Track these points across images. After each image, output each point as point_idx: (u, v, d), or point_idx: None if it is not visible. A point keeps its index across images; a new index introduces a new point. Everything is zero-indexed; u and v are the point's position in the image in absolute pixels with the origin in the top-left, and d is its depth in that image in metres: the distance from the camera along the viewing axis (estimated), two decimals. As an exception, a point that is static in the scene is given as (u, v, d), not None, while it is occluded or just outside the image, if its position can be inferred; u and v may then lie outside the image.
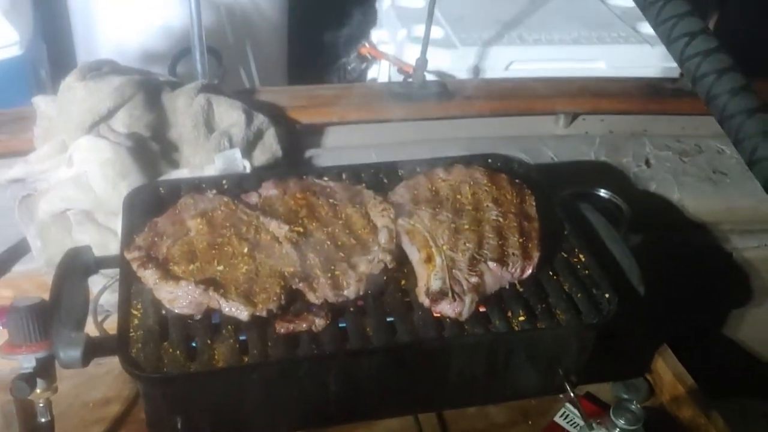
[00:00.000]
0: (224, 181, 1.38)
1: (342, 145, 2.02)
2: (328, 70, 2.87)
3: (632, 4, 2.50)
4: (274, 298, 1.08)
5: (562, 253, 1.26)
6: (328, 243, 1.19)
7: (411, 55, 2.51)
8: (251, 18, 2.66)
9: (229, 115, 1.75)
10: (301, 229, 1.21)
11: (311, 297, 1.11)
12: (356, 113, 2.02)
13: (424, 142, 1.98)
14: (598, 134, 2.07)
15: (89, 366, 1.11)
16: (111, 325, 1.44)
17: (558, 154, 1.98)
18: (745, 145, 0.83)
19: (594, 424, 1.25)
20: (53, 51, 2.70)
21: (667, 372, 1.45)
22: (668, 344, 1.48)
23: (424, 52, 2.05)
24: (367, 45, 2.75)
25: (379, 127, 2.04)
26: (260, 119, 1.78)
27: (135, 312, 1.11)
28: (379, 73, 2.73)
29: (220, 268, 1.13)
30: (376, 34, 2.80)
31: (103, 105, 1.64)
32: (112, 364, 1.47)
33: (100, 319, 1.48)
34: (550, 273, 1.22)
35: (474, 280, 1.12)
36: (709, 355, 1.75)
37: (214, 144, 1.66)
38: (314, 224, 1.23)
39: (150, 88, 1.72)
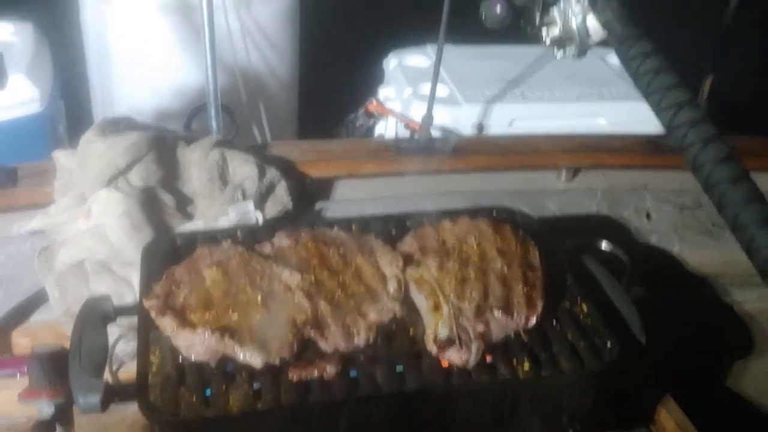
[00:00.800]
0: (238, 232, 1.43)
1: (351, 198, 2.08)
2: (336, 126, 2.95)
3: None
4: (287, 347, 1.12)
5: (565, 302, 1.30)
6: (339, 292, 1.23)
7: (417, 112, 2.60)
8: (264, 78, 2.76)
9: (243, 168, 1.81)
10: (313, 278, 1.25)
11: (323, 345, 1.15)
12: (365, 167, 2.08)
13: (431, 196, 2.04)
14: (599, 188, 2.12)
15: (103, 414, 1.14)
16: (125, 375, 1.48)
17: (561, 208, 2.03)
18: (728, 212, 0.89)
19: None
20: (71, 107, 2.80)
21: (670, 422, 1.47)
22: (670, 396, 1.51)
23: (430, 109, 2.13)
24: (374, 102, 2.84)
25: (386, 180, 2.10)
26: (272, 173, 1.85)
27: (153, 358, 1.15)
28: (386, 129, 2.80)
29: (235, 316, 1.17)
30: (383, 92, 2.89)
31: (121, 159, 1.70)
32: (125, 412, 1.51)
33: (115, 368, 1.52)
34: (554, 322, 1.26)
35: (480, 328, 1.16)
36: (712, 406, 1.77)
37: (228, 197, 1.72)
38: (325, 273, 1.27)
39: (166, 143, 1.79)
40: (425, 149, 2.11)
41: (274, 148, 2.08)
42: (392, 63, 2.92)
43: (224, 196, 1.73)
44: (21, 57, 2.48)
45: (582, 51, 1.32)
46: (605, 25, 1.20)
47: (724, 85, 2.07)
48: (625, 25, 1.15)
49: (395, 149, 2.12)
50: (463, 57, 2.82)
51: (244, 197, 1.75)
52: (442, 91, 2.58)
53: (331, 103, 3.00)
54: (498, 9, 1.42)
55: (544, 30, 1.34)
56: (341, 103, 2.99)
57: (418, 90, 2.69)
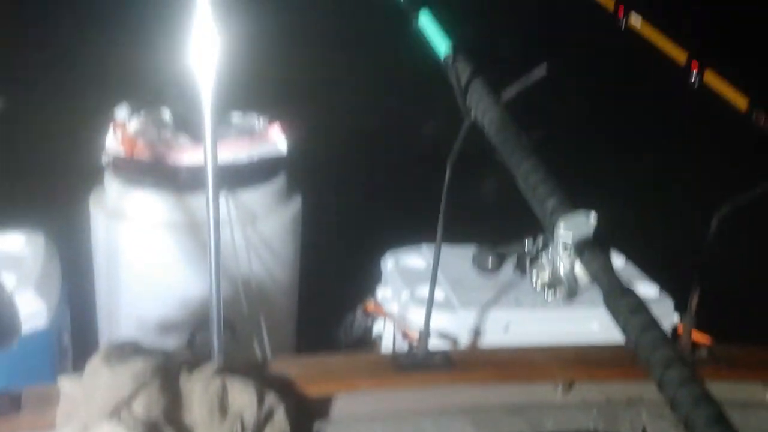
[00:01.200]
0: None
1: (350, 414, 2.09)
2: (335, 325, 3.00)
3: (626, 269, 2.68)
4: None
5: None
6: None
7: (415, 315, 2.66)
8: (266, 287, 2.86)
9: (242, 397, 1.84)
10: None
11: None
12: (363, 383, 2.12)
13: (430, 412, 2.07)
14: (595, 402, 2.15)
15: None
16: None
17: (557, 425, 2.04)
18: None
19: None
20: (76, 313, 2.86)
21: None
22: None
23: (427, 325, 2.19)
24: (372, 302, 2.91)
25: (385, 395, 2.13)
26: (271, 399, 1.88)
27: None
28: (384, 328, 2.85)
29: None
30: (382, 292, 2.96)
31: (126, 389, 1.74)
32: None
33: None
34: None
35: None
36: None
37: (227, 430, 1.74)
38: None
39: (169, 372, 1.83)
40: (423, 365, 2.15)
41: (273, 365, 2.12)
42: (389, 263, 3.02)
43: (223, 428, 1.75)
44: (30, 270, 2.56)
45: (571, 295, 1.39)
46: (592, 276, 1.27)
47: (710, 296, 2.15)
48: (611, 277, 1.23)
49: (393, 365, 2.16)
50: (458, 258, 2.92)
51: (243, 427, 1.78)
52: (438, 294, 2.66)
53: (330, 303, 3.07)
54: (489, 263, 1.51)
55: (534, 273, 1.42)
56: (340, 301, 3.07)
57: (415, 292, 2.76)
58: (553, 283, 1.39)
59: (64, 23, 6.47)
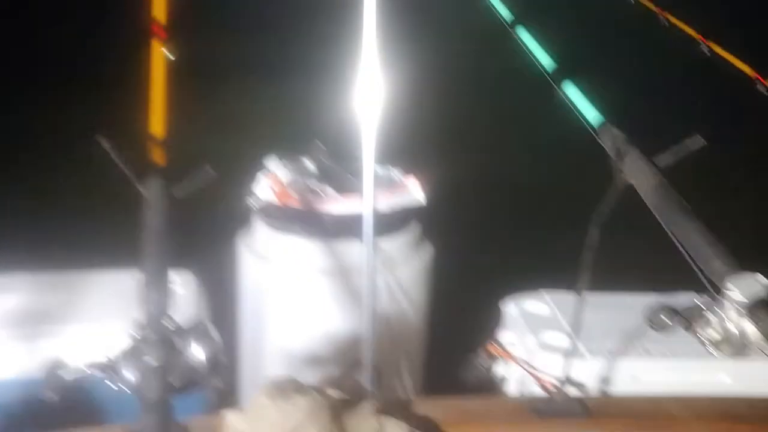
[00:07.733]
0: None
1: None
2: (457, 366, 3.08)
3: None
4: None
5: None
6: None
7: (540, 361, 2.73)
8: (401, 331, 2.99)
9: (396, 438, 1.96)
10: None
11: None
12: (503, 427, 2.20)
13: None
14: (735, 456, 2.17)
15: None
16: None
17: (699, 478, 2.07)
18: None
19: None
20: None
21: None
22: None
23: (566, 371, 2.26)
24: (494, 345, 2.98)
25: (522, 440, 2.22)
26: (419, 440, 1.99)
27: None
28: (509, 372, 2.92)
29: None
30: (503, 335, 3.03)
31: (293, 425, 1.87)
32: None
33: None
34: None
35: None
36: None
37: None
38: None
39: (334, 411, 1.96)
40: (563, 412, 2.22)
41: (418, 407, 2.23)
42: (510, 308, 3.08)
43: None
44: (183, 308, 2.74)
45: (740, 352, 1.47)
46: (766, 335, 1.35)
47: None
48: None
49: (532, 411, 2.24)
50: (583, 304, 2.96)
51: (398, 466, 1.89)
52: (563, 341, 2.72)
53: (450, 345, 3.17)
54: (663, 320, 1.60)
55: (701, 330, 1.50)
56: (460, 343, 3.15)
57: (539, 338, 2.83)
58: (723, 340, 1.46)
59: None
